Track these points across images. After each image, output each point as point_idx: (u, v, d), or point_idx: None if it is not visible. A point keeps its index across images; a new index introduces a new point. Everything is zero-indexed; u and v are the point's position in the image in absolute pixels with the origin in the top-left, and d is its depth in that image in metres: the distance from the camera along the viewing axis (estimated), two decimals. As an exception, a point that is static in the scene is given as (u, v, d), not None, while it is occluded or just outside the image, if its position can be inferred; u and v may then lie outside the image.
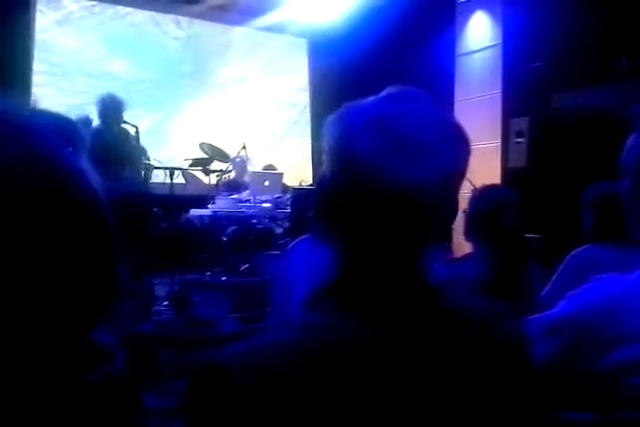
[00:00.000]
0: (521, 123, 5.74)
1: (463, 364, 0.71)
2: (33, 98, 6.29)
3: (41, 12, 6.64)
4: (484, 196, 2.16)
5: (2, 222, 0.46)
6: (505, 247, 2.04)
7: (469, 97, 6.22)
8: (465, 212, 2.19)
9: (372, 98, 0.73)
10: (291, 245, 2.21)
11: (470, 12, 6.25)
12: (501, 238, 2.05)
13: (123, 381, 0.65)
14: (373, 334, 0.68)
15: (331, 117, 0.74)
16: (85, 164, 0.55)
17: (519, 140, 5.75)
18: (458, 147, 0.72)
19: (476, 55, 6.18)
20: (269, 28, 7.59)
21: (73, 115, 5.55)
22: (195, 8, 7.12)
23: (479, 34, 6.17)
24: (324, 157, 0.74)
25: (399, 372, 0.67)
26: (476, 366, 0.72)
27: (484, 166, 5.77)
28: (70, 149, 0.54)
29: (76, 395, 0.55)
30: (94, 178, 0.54)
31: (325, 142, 0.73)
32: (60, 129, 0.53)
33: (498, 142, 5.90)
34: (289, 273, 2.04)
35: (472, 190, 2.28)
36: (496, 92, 5.93)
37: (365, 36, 6.68)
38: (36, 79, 6.52)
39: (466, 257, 2.32)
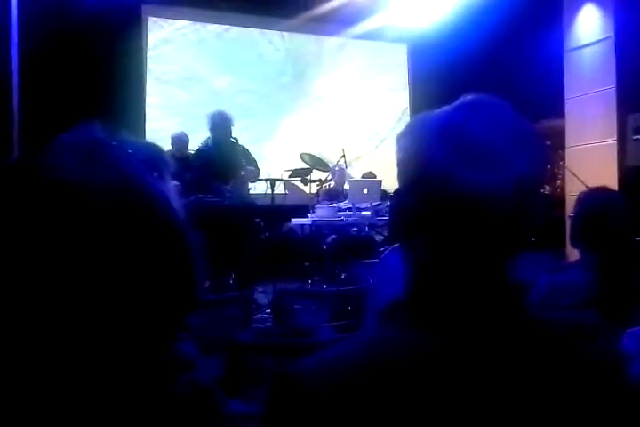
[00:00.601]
0: (639, 118, 5.39)
1: (547, 380, 0.67)
2: (144, 116, 6.72)
3: (150, 30, 7.04)
4: (588, 199, 2.04)
5: (94, 243, 0.53)
6: (613, 253, 1.90)
7: (581, 93, 5.99)
8: (571, 216, 2.08)
9: (443, 108, 0.73)
10: (384, 253, 2.18)
11: (579, 5, 6.05)
12: (608, 244, 1.91)
13: (204, 388, 0.67)
14: (446, 350, 0.66)
15: (401, 130, 0.75)
16: (169, 187, 0.62)
17: (637, 136, 5.39)
18: (533, 153, 0.70)
19: (587, 50, 5.94)
20: (368, 36, 7.57)
21: (175, 131, 5.90)
22: (292, 22, 7.21)
23: (589, 27, 5.94)
24: (398, 169, 0.74)
25: (472, 387, 0.65)
26: (563, 383, 0.68)
27: (600, 166, 5.48)
28: (155, 174, 0.60)
29: (159, 402, 0.59)
30: (175, 201, 0.62)
31: (397, 154, 0.74)
32: (147, 156, 0.64)
33: (614, 140, 5.58)
34: (382, 281, 2.01)
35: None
36: (610, 88, 5.63)
37: (469, 36, 6.53)
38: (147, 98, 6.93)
39: (573, 264, 2.19)
